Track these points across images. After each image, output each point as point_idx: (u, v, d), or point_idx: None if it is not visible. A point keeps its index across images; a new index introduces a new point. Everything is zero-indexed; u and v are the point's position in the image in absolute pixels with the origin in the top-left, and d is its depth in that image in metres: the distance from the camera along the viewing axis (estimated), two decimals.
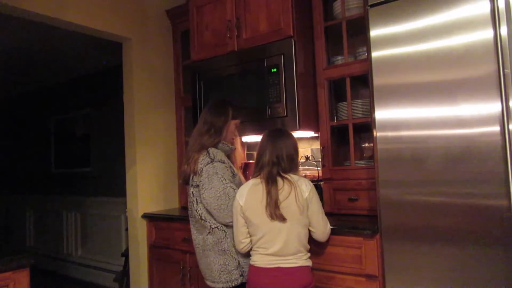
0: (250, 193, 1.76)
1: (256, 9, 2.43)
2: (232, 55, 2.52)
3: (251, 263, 1.77)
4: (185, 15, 2.93)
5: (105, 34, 2.86)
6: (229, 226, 1.87)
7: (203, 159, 1.86)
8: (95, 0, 2.74)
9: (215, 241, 1.89)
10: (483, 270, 1.54)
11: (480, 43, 1.56)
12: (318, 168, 2.45)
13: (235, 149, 2.07)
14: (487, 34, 1.54)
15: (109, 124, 4.69)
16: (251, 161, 2.88)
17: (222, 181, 1.82)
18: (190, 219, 2.01)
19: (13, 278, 1.49)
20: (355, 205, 2.22)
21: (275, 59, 2.29)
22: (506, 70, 1.49)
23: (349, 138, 2.28)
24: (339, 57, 2.41)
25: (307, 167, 2.70)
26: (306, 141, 2.74)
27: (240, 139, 2.16)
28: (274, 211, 1.68)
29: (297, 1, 2.33)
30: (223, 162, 1.87)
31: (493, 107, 1.52)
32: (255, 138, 2.79)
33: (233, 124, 2.02)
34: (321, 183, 2.38)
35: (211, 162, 1.84)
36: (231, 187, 1.83)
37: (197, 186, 1.88)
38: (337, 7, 2.39)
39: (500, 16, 1.51)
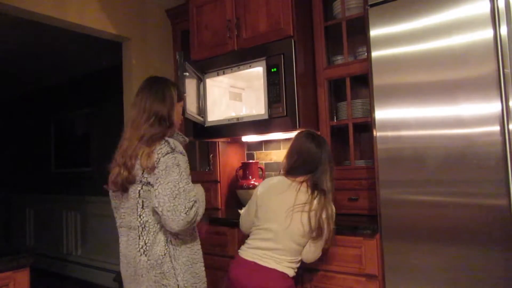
0: (280, 183, 1.81)
1: (256, 8, 2.43)
2: (232, 55, 2.52)
3: (238, 251, 1.84)
4: (185, 14, 2.93)
5: (104, 34, 2.86)
6: (178, 237, 1.56)
7: (160, 149, 1.49)
8: (95, 0, 2.74)
9: (152, 264, 1.50)
10: (483, 270, 1.54)
11: (480, 43, 1.56)
12: None
13: (188, 142, 1.75)
14: (487, 34, 1.54)
15: (109, 123, 4.69)
16: (251, 161, 2.89)
17: (182, 175, 1.47)
18: (121, 229, 1.63)
19: (13, 278, 1.50)
20: (355, 205, 2.22)
21: (275, 59, 2.29)
22: (506, 70, 1.49)
23: (349, 137, 2.28)
24: (339, 57, 2.41)
25: None
26: None
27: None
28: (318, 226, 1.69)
29: (297, 1, 2.33)
30: (184, 155, 1.54)
31: (493, 107, 1.52)
32: (254, 138, 2.79)
33: (179, 107, 1.71)
34: None
35: (172, 152, 1.49)
36: (193, 187, 1.51)
37: (149, 183, 1.49)
38: (337, 7, 2.39)
39: (500, 16, 1.51)
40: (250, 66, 2.41)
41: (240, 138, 2.81)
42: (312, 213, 1.69)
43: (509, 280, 1.49)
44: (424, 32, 1.69)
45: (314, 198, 1.72)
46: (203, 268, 1.66)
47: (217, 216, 2.51)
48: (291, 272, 1.75)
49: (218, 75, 2.57)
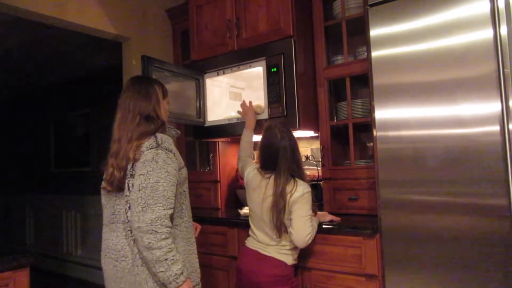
0: (254, 178, 1.91)
1: (256, 8, 2.43)
2: (232, 55, 2.52)
3: (245, 241, 1.96)
4: (185, 14, 2.93)
5: (105, 34, 2.86)
6: (175, 227, 1.53)
7: (148, 143, 1.49)
8: (95, 0, 2.74)
9: None
10: (483, 269, 1.54)
11: (480, 42, 1.56)
12: (318, 168, 2.45)
13: (180, 133, 1.76)
14: (487, 33, 1.54)
15: (109, 123, 4.67)
16: None
17: (156, 172, 1.43)
18: (112, 225, 1.57)
19: (13, 278, 1.49)
20: (355, 204, 2.22)
21: (275, 59, 2.29)
22: (506, 70, 1.49)
23: (349, 137, 2.28)
24: (339, 57, 2.41)
25: (307, 166, 2.70)
26: (306, 140, 2.74)
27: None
28: (280, 221, 1.75)
29: (297, 0, 2.33)
30: (170, 151, 1.52)
31: (493, 106, 1.52)
32: (254, 138, 2.78)
33: (165, 104, 1.71)
34: (321, 182, 2.39)
35: (156, 147, 1.48)
36: (168, 183, 1.44)
37: (132, 175, 1.49)
38: (337, 6, 2.39)
39: (500, 15, 1.51)
40: (250, 66, 2.41)
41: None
42: (274, 209, 1.76)
43: (509, 280, 1.49)
44: (424, 32, 1.69)
45: (275, 194, 1.77)
46: (197, 261, 1.69)
47: (217, 216, 2.51)
48: (289, 260, 1.83)
49: (218, 75, 2.57)
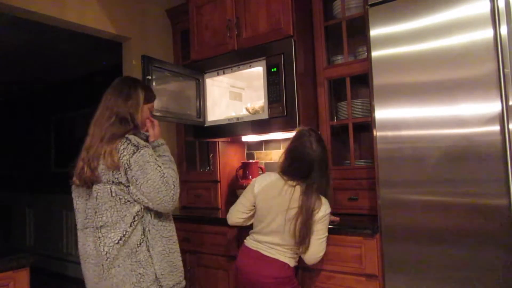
0: (275, 184, 1.83)
1: (256, 8, 2.43)
2: (232, 55, 2.52)
3: (244, 241, 1.93)
4: (185, 14, 2.93)
5: (105, 33, 2.86)
6: (155, 227, 1.61)
7: (124, 149, 1.50)
8: (95, 0, 2.74)
9: (127, 253, 1.52)
10: (483, 269, 1.54)
11: (480, 42, 1.56)
12: None
13: (151, 140, 1.74)
14: (487, 33, 1.54)
15: None
16: (251, 161, 2.88)
17: (156, 169, 1.53)
18: (87, 230, 1.59)
19: (13, 278, 1.49)
20: (355, 204, 2.22)
21: (275, 59, 2.28)
22: (506, 70, 1.49)
23: (349, 137, 2.28)
24: (339, 57, 2.41)
25: None
26: None
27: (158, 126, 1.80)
28: (309, 239, 1.73)
29: (297, 0, 2.33)
30: (146, 146, 1.56)
31: (493, 106, 1.52)
32: (254, 138, 2.79)
33: (146, 109, 1.71)
34: None
35: (137, 150, 1.51)
36: (167, 172, 1.56)
37: (120, 183, 1.52)
38: (337, 6, 2.39)
39: (500, 15, 1.51)
40: (250, 66, 2.41)
41: (240, 138, 2.81)
42: (299, 221, 1.72)
43: (508, 280, 1.49)
44: (424, 31, 1.69)
45: (302, 207, 1.73)
46: (180, 258, 1.70)
47: (217, 216, 2.51)
48: (292, 262, 1.82)
49: (218, 74, 2.57)
